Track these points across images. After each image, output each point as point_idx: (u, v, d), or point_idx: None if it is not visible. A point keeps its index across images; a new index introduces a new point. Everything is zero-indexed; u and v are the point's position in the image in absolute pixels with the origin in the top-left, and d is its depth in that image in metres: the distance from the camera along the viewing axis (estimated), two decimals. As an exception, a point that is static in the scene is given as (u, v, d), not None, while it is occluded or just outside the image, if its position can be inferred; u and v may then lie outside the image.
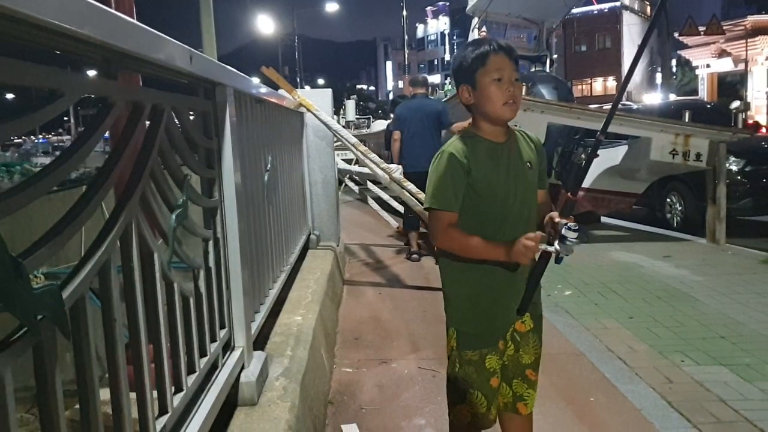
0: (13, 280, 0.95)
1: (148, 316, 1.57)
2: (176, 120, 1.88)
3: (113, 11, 1.29)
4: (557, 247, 1.91)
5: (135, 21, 1.44)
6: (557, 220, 1.92)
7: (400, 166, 6.33)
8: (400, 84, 67.39)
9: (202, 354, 2.01)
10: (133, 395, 1.47)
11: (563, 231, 1.89)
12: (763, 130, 15.71)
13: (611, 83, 47.39)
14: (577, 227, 1.90)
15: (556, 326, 4.42)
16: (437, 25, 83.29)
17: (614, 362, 3.77)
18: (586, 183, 8.11)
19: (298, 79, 48.19)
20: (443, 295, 2.18)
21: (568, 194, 2.01)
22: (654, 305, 4.94)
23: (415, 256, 7.04)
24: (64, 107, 1.18)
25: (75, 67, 1.35)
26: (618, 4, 47.05)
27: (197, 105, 2.17)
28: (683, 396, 3.26)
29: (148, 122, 1.65)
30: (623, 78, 2.14)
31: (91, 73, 1.46)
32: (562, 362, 3.77)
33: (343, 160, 9.81)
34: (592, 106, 10.27)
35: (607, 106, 10.35)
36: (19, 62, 1.02)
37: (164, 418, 1.61)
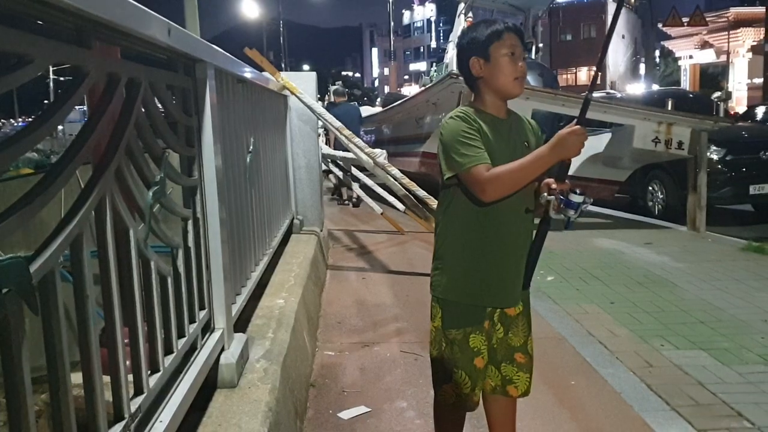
0: (-23, 250, 0.92)
1: (124, 295, 1.54)
2: (154, 95, 1.84)
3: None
4: (567, 214, 1.91)
5: (110, -12, 1.39)
6: (554, 186, 1.91)
7: (384, 151, 6.30)
8: (386, 71, 67.20)
9: (181, 335, 1.98)
10: (106, 378, 1.44)
11: (570, 196, 1.89)
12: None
13: (595, 73, 47.34)
14: (582, 191, 1.90)
15: (538, 311, 4.42)
16: (423, 12, 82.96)
17: (595, 346, 3.78)
18: (570, 170, 8.11)
19: (283, 65, 47.79)
20: (434, 261, 2.14)
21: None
22: (635, 291, 4.96)
23: (347, 202, 10.12)
24: (33, 74, 1.13)
25: (47, 35, 1.31)
26: (603, -7, 47.09)
27: (177, 81, 2.12)
28: (662, 379, 3.28)
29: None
30: (597, 63, 2.14)
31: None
32: (544, 346, 3.77)
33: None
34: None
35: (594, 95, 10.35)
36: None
37: (139, 399, 1.57)
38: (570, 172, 2.01)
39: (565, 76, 47.39)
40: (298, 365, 3.01)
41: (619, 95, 12.90)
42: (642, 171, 8.64)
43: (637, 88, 33.52)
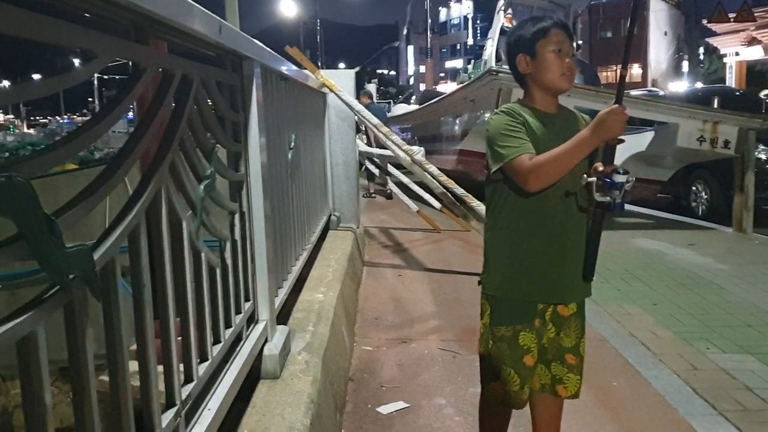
0: (47, 237, 0.95)
1: (176, 285, 1.58)
2: (205, 91, 1.88)
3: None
4: (612, 195, 1.88)
5: (166, -14, 1.43)
6: (601, 168, 1.89)
7: (422, 148, 6.31)
8: (422, 69, 67.02)
9: (228, 325, 2.02)
10: (159, 368, 1.48)
11: (614, 177, 1.86)
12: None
13: (636, 70, 46.66)
14: (627, 171, 1.87)
15: (578, 311, 4.38)
16: (460, 9, 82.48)
17: (637, 348, 3.73)
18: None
19: (319, 63, 48.03)
20: (484, 259, 2.14)
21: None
22: (678, 292, 4.88)
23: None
24: (97, 69, 1.17)
25: (106, 31, 1.35)
26: (645, -11, 46.24)
27: (225, 78, 2.16)
28: (708, 383, 3.22)
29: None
30: (626, 39, 2.07)
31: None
32: (585, 347, 3.74)
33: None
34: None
35: (635, 92, 10.19)
36: (56, 21, 1.02)
37: (189, 387, 1.61)
38: None
39: (605, 73, 46.54)
40: (338, 359, 3.04)
41: (661, 93, 12.67)
42: (685, 170, 8.48)
43: (680, 86, 32.84)
